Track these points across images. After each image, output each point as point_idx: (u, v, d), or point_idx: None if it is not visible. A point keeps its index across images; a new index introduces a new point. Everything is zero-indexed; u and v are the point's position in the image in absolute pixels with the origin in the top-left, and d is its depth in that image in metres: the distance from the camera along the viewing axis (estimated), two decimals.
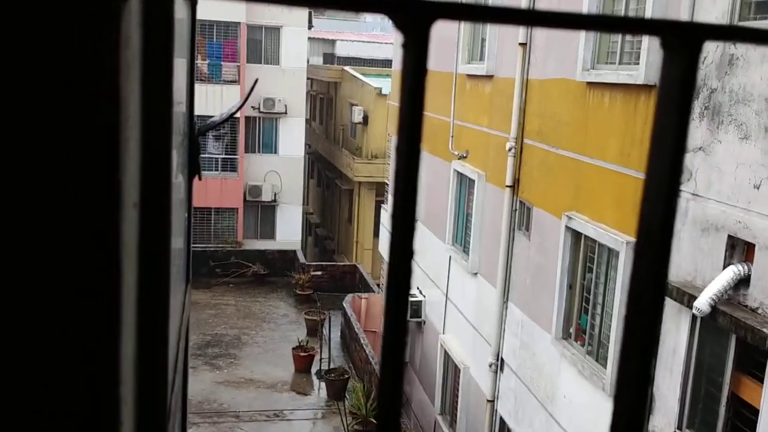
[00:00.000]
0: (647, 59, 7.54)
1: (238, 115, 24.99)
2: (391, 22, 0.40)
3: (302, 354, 17.79)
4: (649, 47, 7.53)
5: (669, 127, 0.37)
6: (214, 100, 24.30)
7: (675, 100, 0.37)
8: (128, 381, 0.61)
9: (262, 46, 26.24)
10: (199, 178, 1.67)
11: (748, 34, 0.39)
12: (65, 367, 0.50)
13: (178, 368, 1.37)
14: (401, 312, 0.42)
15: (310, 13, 27.29)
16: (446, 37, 13.32)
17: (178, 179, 1.25)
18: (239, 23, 25.25)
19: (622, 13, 8.32)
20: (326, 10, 0.38)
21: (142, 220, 0.63)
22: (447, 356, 13.29)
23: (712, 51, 6.57)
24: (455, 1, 0.42)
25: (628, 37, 8.32)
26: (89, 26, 0.43)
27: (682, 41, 0.36)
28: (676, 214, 0.39)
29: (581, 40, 8.83)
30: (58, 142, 0.45)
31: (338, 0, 0.38)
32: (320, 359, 17.53)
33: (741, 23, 6.33)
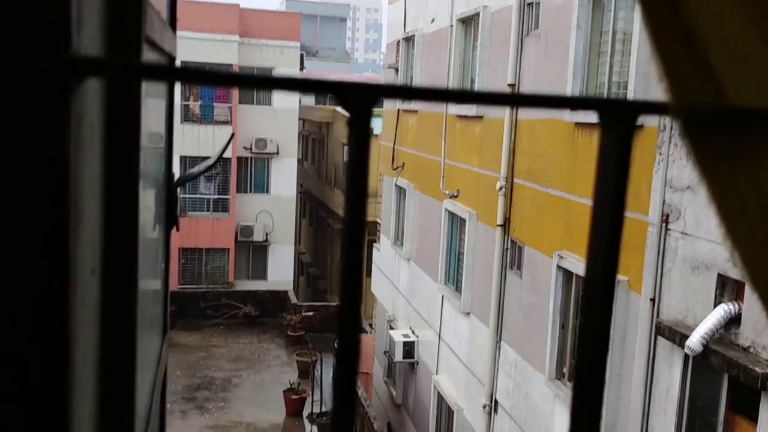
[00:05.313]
0: (634, 99, 7.63)
1: (230, 155, 25.11)
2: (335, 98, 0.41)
3: (294, 397, 17.55)
4: (635, 88, 7.63)
5: (606, 201, 0.37)
6: (206, 141, 24.46)
7: (612, 173, 0.37)
8: None
9: None
10: (177, 229, 1.67)
11: None
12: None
13: (152, 422, 1.35)
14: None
15: (302, 55, 27.63)
16: (437, 77, 13.49)
17: (155, 230, 1.24)
18: (231, 65, 25.52)
19: (608, 65, 8.44)
20: (279, 91, 0.39)
21: (104, 285, 0.63)
22: (440, 398, 13.14)
23: None
24: (392, 83, 0.43)
25: (615, 78, 8.45)
26: (39, 105, 0.44)
27: (618, 117, 0.36)
28: (615, 288, 0.40)
29: (569, 80, 8.95)
30: (5, 217, 0.45)
31: (290, 83, 0.40)
32: (312, 402, 17.30)
33: None
